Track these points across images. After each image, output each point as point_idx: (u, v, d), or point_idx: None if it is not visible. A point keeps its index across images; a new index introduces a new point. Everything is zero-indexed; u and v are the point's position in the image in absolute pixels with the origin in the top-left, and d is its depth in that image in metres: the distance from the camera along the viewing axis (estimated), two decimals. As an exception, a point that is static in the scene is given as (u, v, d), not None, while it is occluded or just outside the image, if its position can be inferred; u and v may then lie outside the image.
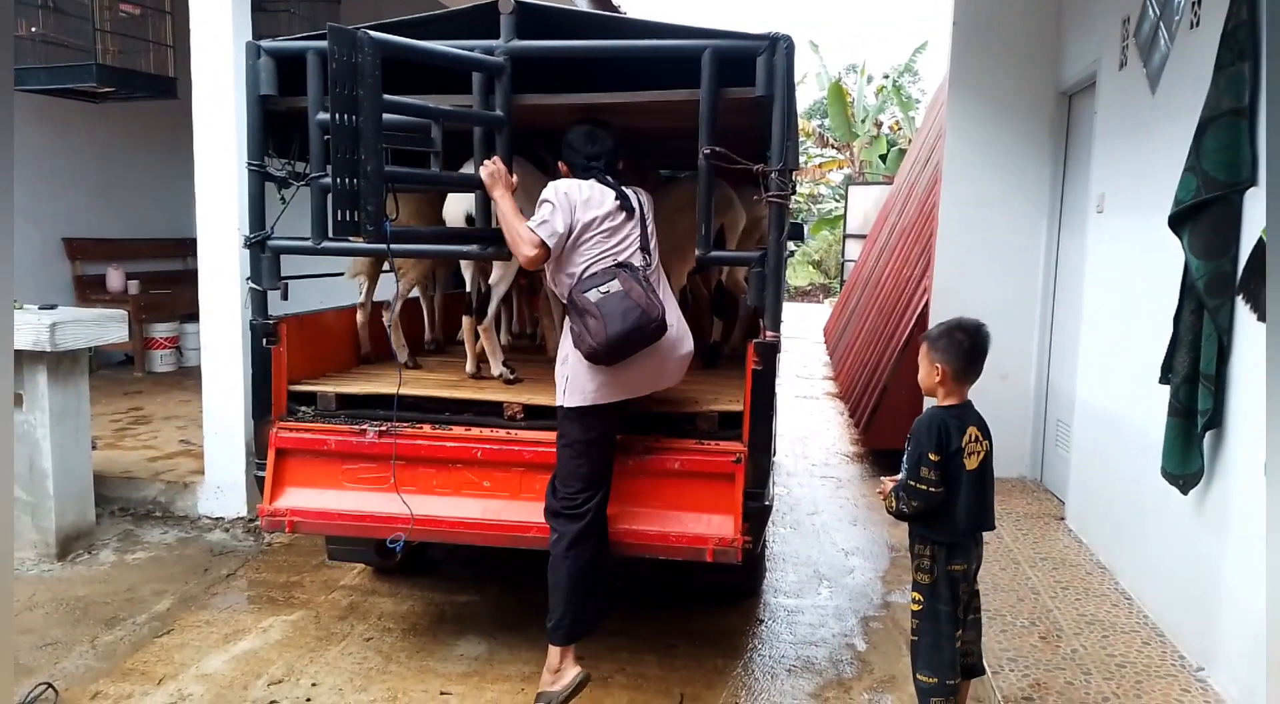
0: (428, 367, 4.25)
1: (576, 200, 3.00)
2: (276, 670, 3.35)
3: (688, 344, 3.17)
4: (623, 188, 3.10)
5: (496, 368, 3.85)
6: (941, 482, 2.58)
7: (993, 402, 5.51)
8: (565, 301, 3.03)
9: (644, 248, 3.12)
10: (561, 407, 3.05)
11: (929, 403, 2.80)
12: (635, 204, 3.11)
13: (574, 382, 3.00)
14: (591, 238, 3.00)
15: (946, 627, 2.65)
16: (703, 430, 3.26)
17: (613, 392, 3.00)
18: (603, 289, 2.86)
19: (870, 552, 4.80)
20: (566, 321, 3.02)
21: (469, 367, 3.96)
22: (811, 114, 25.62)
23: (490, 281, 3.90)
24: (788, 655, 3.59)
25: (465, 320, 3.98)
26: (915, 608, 2.71)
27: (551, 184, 3.06)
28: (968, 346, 2.66)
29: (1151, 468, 3.45)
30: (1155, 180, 3.68)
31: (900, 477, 2.72)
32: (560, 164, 3.18)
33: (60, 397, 4.30)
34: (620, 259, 3.01)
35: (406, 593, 4.06)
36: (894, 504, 2.69)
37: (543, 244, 2.92)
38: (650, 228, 3.17)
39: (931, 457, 2.57)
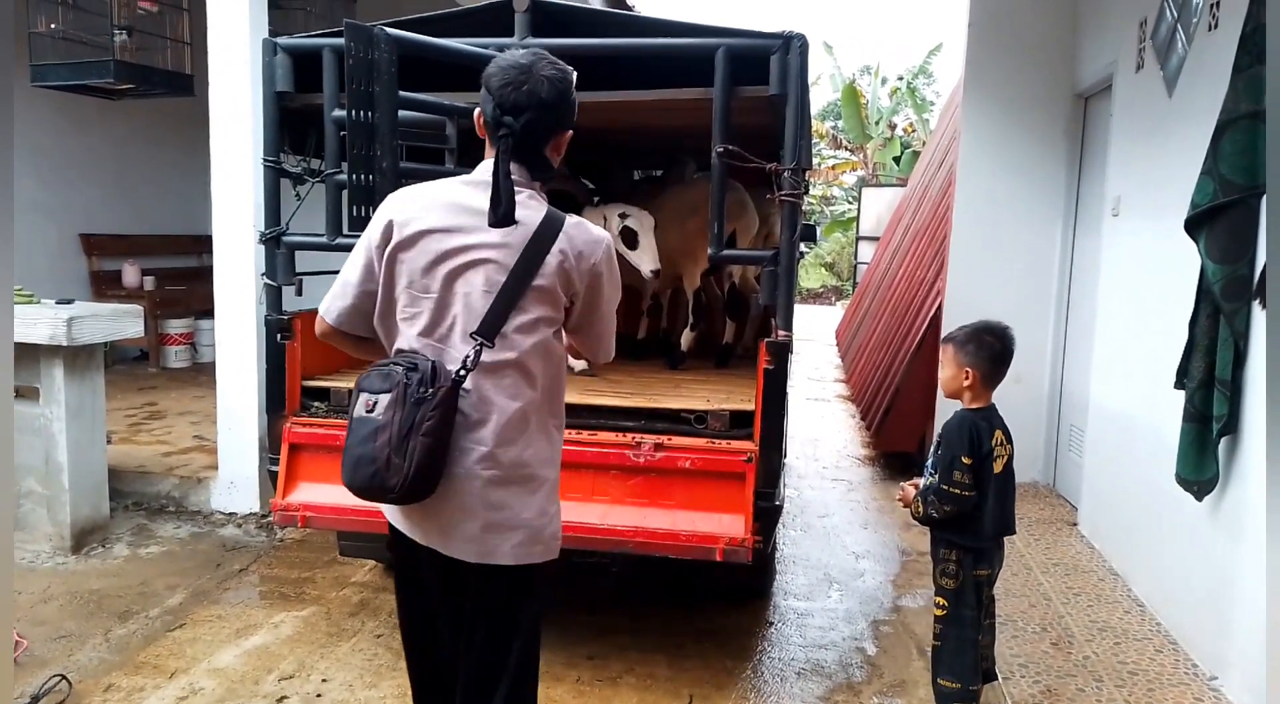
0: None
1: (394, 218, 1.90)
2: (287, 666, 3.36)
3: (518, 513, 1.95)
4: (527, 197, 1.89)
5: None
6: (974, 485, 2.57)
7: (1006, 405, 5.50)
8: None
9: (484, 329, 1.85)
10: None
11: (943, 405, 2.80)
12: (529, 227, 1.86)
13: None
14: (415, 277, 1.89)
15: (970, 632, 2.65)
16: (714, 429, 3.25)
17: (399, 518, 2.02)
18: (370, 401, 1.86)
19: (881, 555, 4.78)
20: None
21: None
22: (825, 115, 25.56)
23: None
24: (797, 658, 3.58)
25: None
26: (939, 613, 2.69)
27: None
28: (998, 350, 2.66)
29: (1165, 473, 3.43)
30: (1172, 183, 3.66)
31: (925, 480, 2.70)
32: (475, 115, 1.96)
33: (76, 391, 4.33)
34: (430, 343, 1.90)
35: (416, 590, 4.07)
36: (921, 509, 2.66)
37: (325, 326, 2.03)
38: (523, 292, 1.86)
39: (964, 460, 2.56)
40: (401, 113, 2.82)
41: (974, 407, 2.68)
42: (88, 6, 5.53)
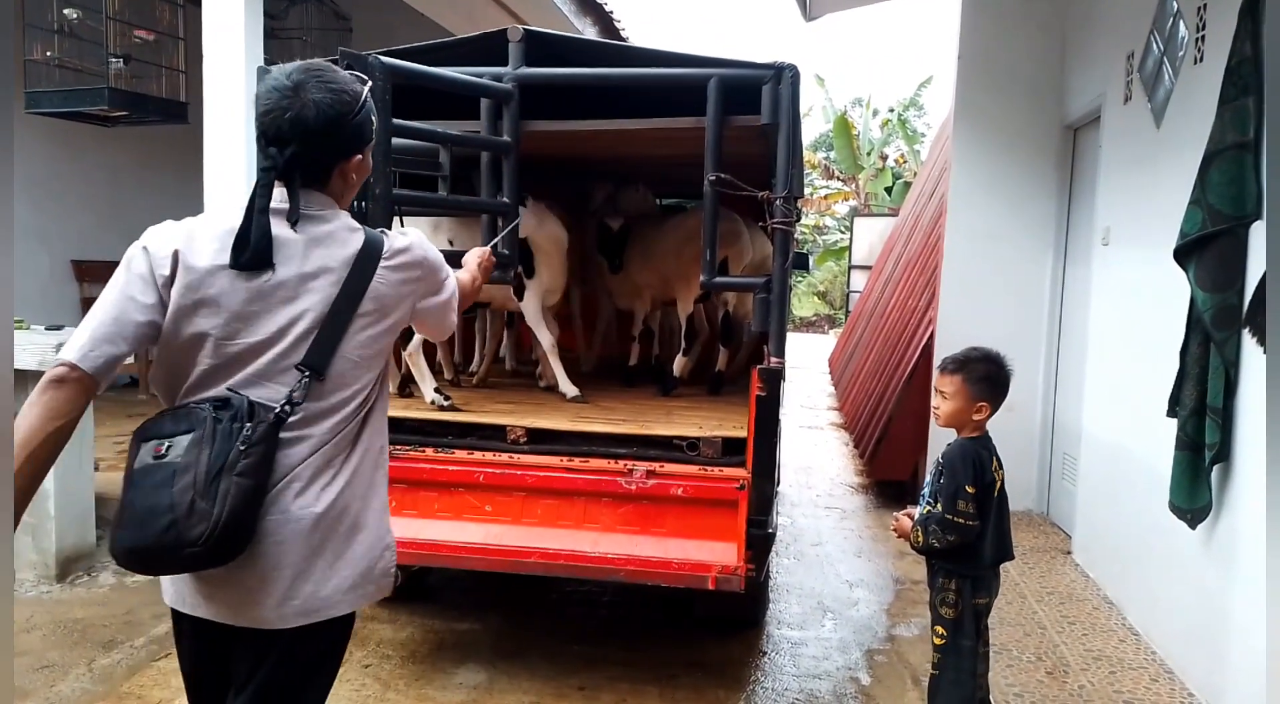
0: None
1: (160, 266, 1.64)
2: (273, 696, 3.31)
3: (346, 551, 1.72)
4: (292, 228, 1.65)
5: (428, 394, 3.86)
6: (978, 515, 2.54)
7: (999, 434, 5.50)
8: None
9: (311, 360, 1.64)
10: None
11: (936, 434, 2.78)
12: (312, 267, 1.65)
13: None
14: (197, 316, 1.63)
15: (968, 662, 2.61)
16: (706, 456, 3.24)
17: (176, 591, 1.73)
18: (160, 446, 1.57)
19: (875, 584, 4.75)
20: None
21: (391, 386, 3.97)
22: (818, 146, 25.82)
23: None
24: (790, 688, 3.54)
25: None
26: (938, 642, 2.65)
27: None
28: (1008, 379, 2.66)
29: (1159, 502, 3.43)
30: (1160, 213, 3.69)
31: (922, 509, 2.67)
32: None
33: (64, 417, 4.29)
34: (245, 380, 1.63)
35: (406, 620, 4.03)
36: (921, 538, 2.61)
37: (62, 372, 1.56)
38: (350, 321, 1.67)
39: (969, 489, 2.53)
40: (395, 140, 2.84)
41: (973, 436, 2.65)
42: (84, 35, 5.57)
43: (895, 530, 2.78)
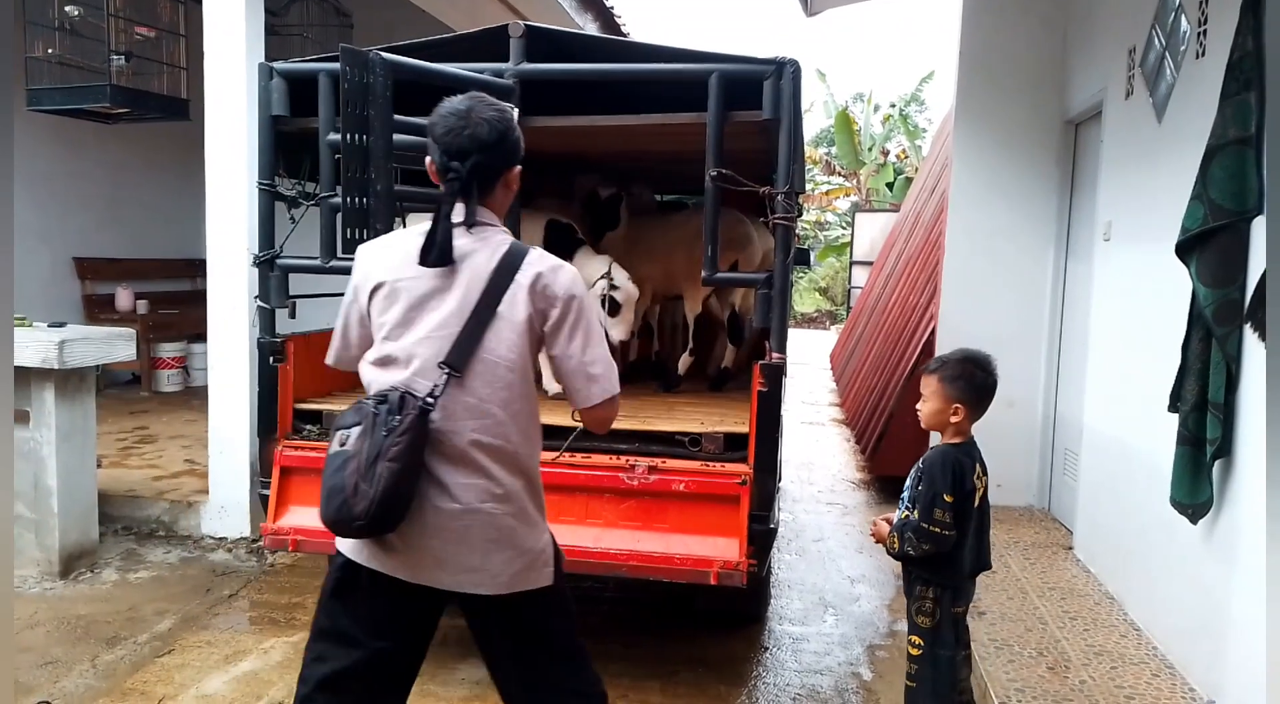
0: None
1: (367, 267, 1.99)
2: (277, 692, 3.32)
3: (508, 538, 1.98)
4: (480, 234, 1.93)
5: None
6: (955, 524, 2.47)
7: (999, 430, 5.53)
8: None
9: (451, 358, 1.88)
10: None
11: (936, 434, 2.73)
12: (484, 261, 1.91)
13: None
14: (385, 326, 1.95)
15: (946, 673, 2.57)
16: (708, 452, 3.25)
17: (366, 553, 1.97)
18: (343, 435, 1.87)
19: (877, 580, 4.76)
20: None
21: None
22: (819, 142, 25.78)
23: None
24: (792, 684, 3.55)
25: None
26: (914, 652, 2.59)
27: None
28: (988, 383, 2.57)
29: (1160, 497, 3.43)
30: (1162, 208, 3.68)
31: (902, 515, 2.61)
32: (427, 162, 2.03)
33: (67, 414, 4.31)
34: (403, 377, 1.91)
35: (408, 615, 4.03)
36: (897, 545, 2.55)
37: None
38: (488, 324, 1.89)
39: (946, 498, 2.46)
40: (396, 136, 2.84)
41: (955, 442, 2.57)
42: (85, 32, 5.56)
43: (873, 535, 2.71)
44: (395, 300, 1.92)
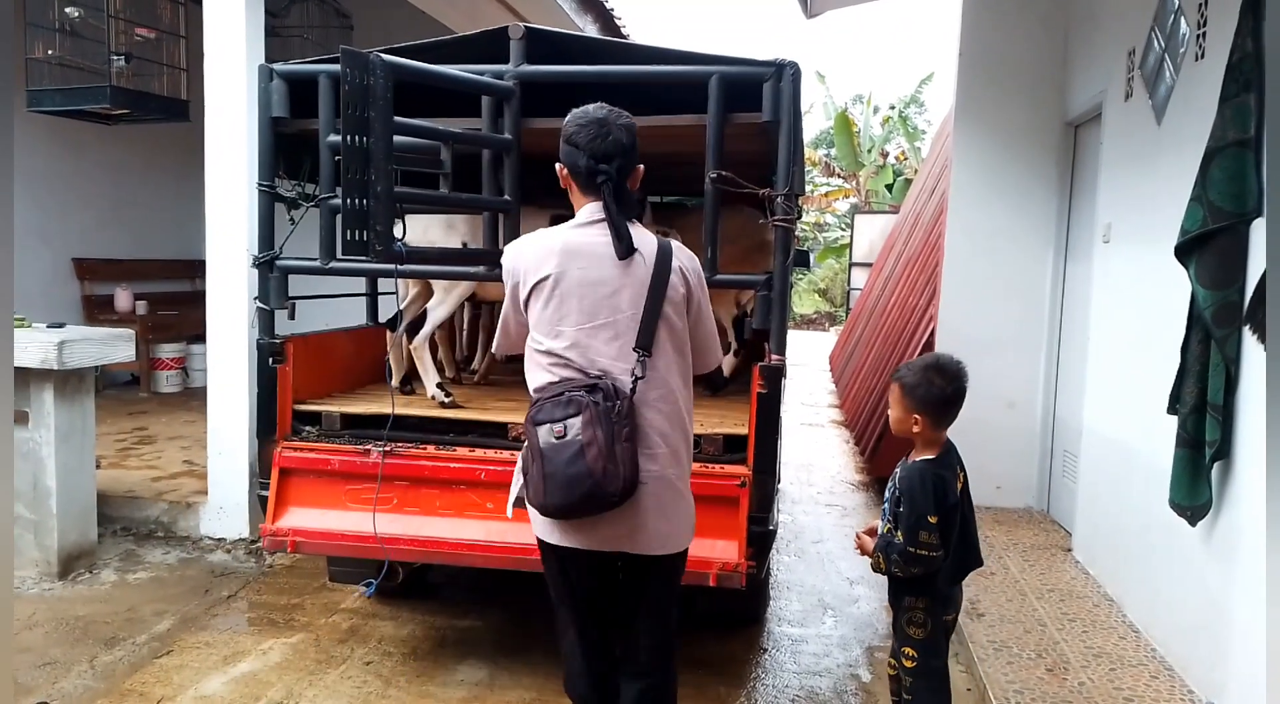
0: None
1: (513, 268, 2.25)
2: (275, 693, 3.32)
3: (683, 499, 2.31)
4: (630, 228, 2.19)
5: (431, 390, 3.87)
6: (942, 543, 2.40)
7: (999, 431, 5.55)
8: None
9: (642, 342, 2.14)
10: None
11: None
12: (649, 255, 2.18)
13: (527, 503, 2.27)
14: (552, 317, 2.17)
15: (943, 682, 2.54)
16: (707, 453, 3.25)
17: (563, 533, 2.25)
18: (557, 429, 2.07)
19: (876, 581, 4.75)
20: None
21: (394, 381, 4.08)
22: (818, 143, 25.78)
23: (429, 305, 3.96)
24: (791, 685, 3.55)
25: (388, 335, 4.12)
26: (909, 664, 2.52)
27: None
28: (948, 393, 2.47)
29: (1159, 499, 3.43)
30: (1161, 210, 3.69)
31: (884, 528, 2.54)
32: (559, 169, 2.29)
33: (66, 415, 4.31)
34: (595, 364, 2.15)
35: (408, 617, 4.03)
36: (882, 565, 2.48)
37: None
38: (662, 307, 2.17)
39: (930, 519, 2.38)
40: (396, 138, 2.84)
41: (930, 456, 2.49)
42: (85, 33, 5.56)
43: (858, 548, 2.65)
44: (568, 292, 2.15)
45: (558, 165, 2.25)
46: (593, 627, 2.40)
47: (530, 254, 2.21)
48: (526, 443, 2.17)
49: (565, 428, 2.05)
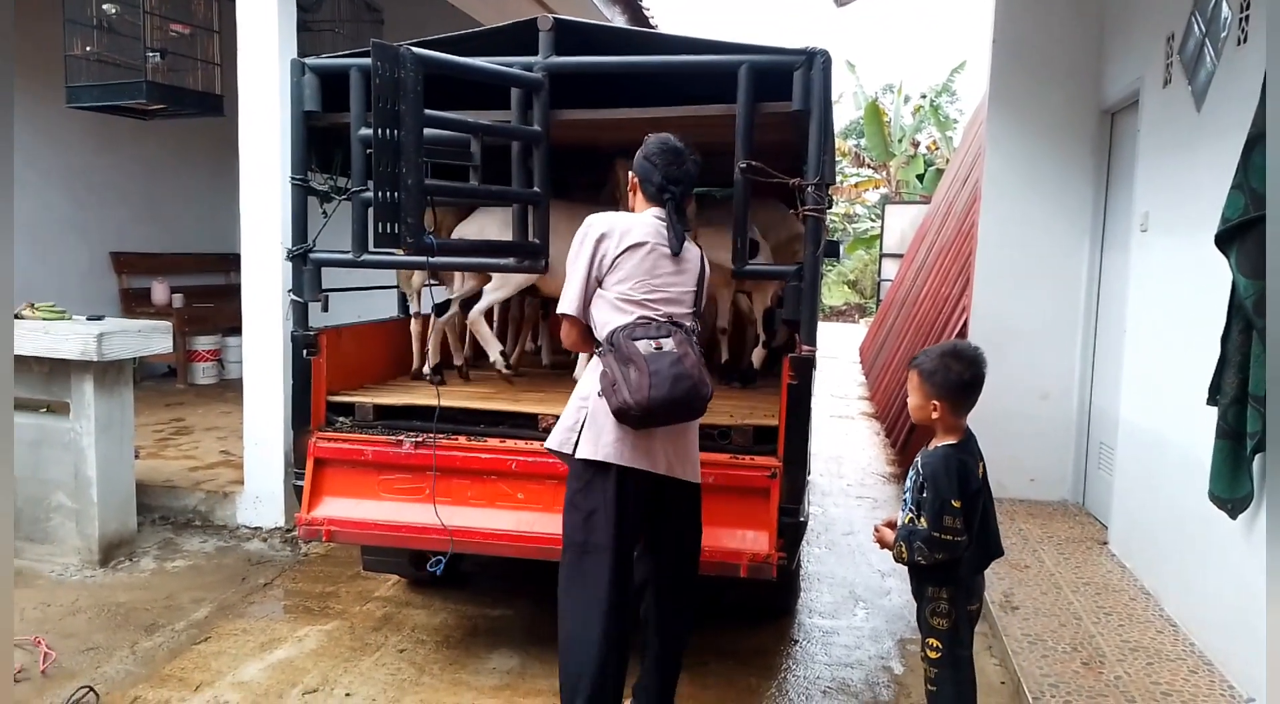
0: (464, 378, 4.28)
1: (608, 231, 2.66)
2: (311, 680, 3.37)
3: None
4: (686, 236, 2.75)
5: (494, 357, 4.11)
6: (966, 528, 2.40)
7: (1033, 423, 5.49)
8: (603, 339, 2.65)
9: (696, 311, 2.76)
10: (567, 455, 2.72)
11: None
12: (695, 258, 2.78)
13: (591, 428, 2.65)
14: (637, 273, 2.64)
15: (968, 672, 2.52)
16: (737, 444, 3.24)
17: (631, 454, 2.62)
18: (655, 343, 2.52)
19: (907, 573, 4.72)
20: (593, 359, 2.73)
21: (426, 367, 4.20)
22: (848, 134, 25.56)
23: (487, 288, 4.08)
24: (823, 677, 3.54)
25: (431, 321, 4.21)
26: (933, 655, 2.51)
27: (587, 219, 2.73)
28: (966, 378, 2.46)
29: (1198, 491, 3.37)
30: (1201, 198, 3.62)
31: (905, 519, 2.54)
32: (631, 176, 2.81)
33: (105, 406, 4.38)
34: (673, 313, 2.67)
35: (440, 605, 4.07)
36: (906, 554, 2.47)
37: (571, 318, 2.71)
38: (703, 292, 2.81)
39: (955, 504, 2.38)
40: (427, 131, 2.85)
41: (952, 441, 2.49)
42: (121, 29, 5.63)
43: (877, 541, 2.65)
44: (655, 259, 2.64)
45: (630, 174, 2.78)
46: (625, 569, 2.68)
47: (623, 222, 2.68)
48: (613, 359, 2.53)
49: (662, 343, 2.50)
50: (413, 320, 4.34)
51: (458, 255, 3.65)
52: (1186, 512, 3.65)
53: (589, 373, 2.72)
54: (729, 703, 3.29)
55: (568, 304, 2.67)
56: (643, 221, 2.70)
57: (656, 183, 2.70)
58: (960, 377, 2.46)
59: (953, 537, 2.39)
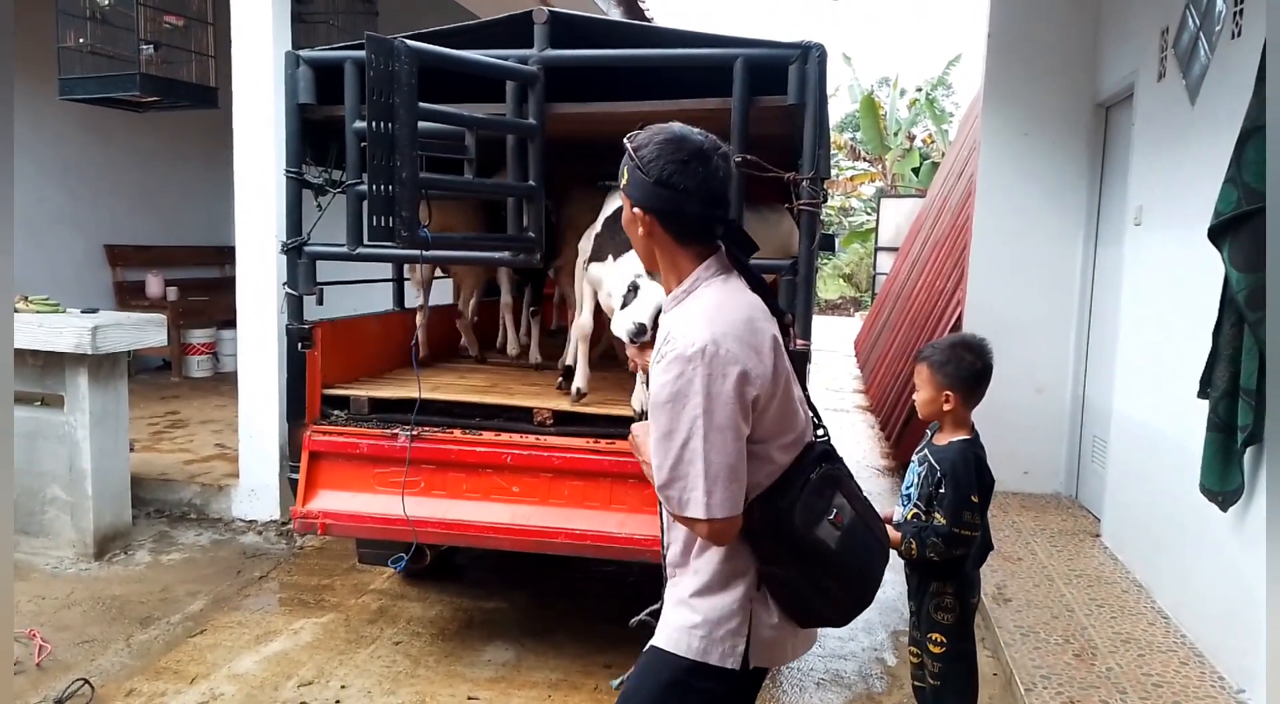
0: (460, 371, 4.29)
1: (748, 367, 1.60)
2: (306, 672, 3.38)
3: None
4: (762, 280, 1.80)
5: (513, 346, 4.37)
6: (980, 522, 2.42)
7: (1027, 416, 5.50)
8: (754, 519, 1.66)
9: (807, 398, 1.87)
10: (682, 658, 1.75)
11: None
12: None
13: (726, 624, 1.72)
14: (783, 396, 1.70)
15: (972, 665, 2.54)
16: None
17: (786, 651, 1.82)
18: (834, 516, 1.68)
19: (901, 565, 4.70)
20: (739, 551, 1.71)
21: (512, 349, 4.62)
22: (843, 127, 25.53)
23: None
24: (816, 669, 3.56)
25: (420, 315, 4.37)
26: (937, 650, 2.51)
27: (693, 343, 1.58)
28: (978, 368, 2.47)
29: (1190, 484, 3.39)
30: (1195, 192, 3.63)
31: (904, 512, 2.52)
32: (638, 213, 1.68)
33: (100, 399, 4.38)
34: (808, 436, 1.79)
35: (435, 598, 4.08)
36: (915, 550, 2.44)
37: (727, 522, 1.61)
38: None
39: (974, 499, 2.38)
40: (421, 124, 2.85)
41: (965, 436, 2.49)
42: (115, 21, 5.60)
43: None
44: (782, 367, 1.76)
45: (636, 210, 1.67)
46: None
47: (747, 335, 1.62)
48: (792, 563, 1.68)
49: (838, 510, 1.70)
50: (418, 313, 4.35)
51: (452, 249, 3.65)
52: (1178, 504, 3.67)
53: (715, 567, 1.75)
54: (723, 695, 3.31)
55: (719, 504, 1.59)
56: (746, 316, 1.66)
57: (695, 215, 1.66)
58: (973, 367, 2.48)
59: (970, 532, 2.40)
